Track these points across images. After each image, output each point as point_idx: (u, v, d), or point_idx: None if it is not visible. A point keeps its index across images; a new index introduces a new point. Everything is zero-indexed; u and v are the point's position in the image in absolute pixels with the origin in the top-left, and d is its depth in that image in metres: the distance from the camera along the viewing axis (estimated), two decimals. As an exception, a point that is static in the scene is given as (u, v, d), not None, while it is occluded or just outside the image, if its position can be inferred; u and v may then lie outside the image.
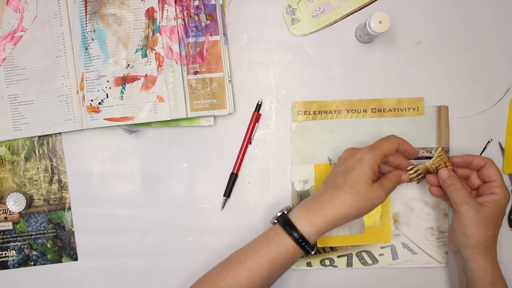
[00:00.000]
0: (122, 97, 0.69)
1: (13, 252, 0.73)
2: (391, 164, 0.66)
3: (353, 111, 0.74)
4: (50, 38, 0.71)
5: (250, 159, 0.74)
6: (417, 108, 0.74)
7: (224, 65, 0.72)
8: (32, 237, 0.73)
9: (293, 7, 0.73)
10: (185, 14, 0.71)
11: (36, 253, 0.73)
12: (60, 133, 0.73)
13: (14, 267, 0.73)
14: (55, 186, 0.73)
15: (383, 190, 0.62)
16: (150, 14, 0.70)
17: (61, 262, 0.74)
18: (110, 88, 0.69)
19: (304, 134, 0.74)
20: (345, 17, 0.73)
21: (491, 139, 0.75)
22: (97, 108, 0.70)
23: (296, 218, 0.61)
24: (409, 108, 0.74)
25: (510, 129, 0.74)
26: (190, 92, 0.71)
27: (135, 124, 0.71)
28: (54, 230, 0.74)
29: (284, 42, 0.74)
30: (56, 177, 0.73)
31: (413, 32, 0.74)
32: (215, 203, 0.74)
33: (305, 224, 0.60)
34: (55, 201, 0.73)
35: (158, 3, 0.70)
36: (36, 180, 0.73)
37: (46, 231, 0.73)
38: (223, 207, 0.74)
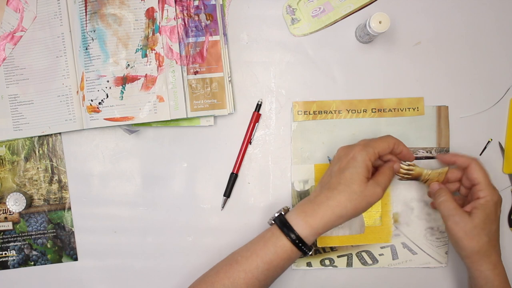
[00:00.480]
0: (122, 97, 0.69)
1: (13, 252, 0.73)
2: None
3: (353, 111, 0.74)
4: (50, 38, 0.71)
5: (250, 159, 0.74)
6: (417, 108, 0.74)
7: (224, 65, 0.72)
8: (32, 237, 0.73)
9: (293, 7, 0.73)
10: (185, 14, 0.71)
11: (36, 253, 0.73)
12: (60, 133, 0.73)
13: (14, 267, 0.73)
14: (55, 186, 0.73)
15: (379, 186, 0.61)
16: (150, 14, 0.70)
17: (61, 262, 0.74)
18: (110, 88, 0.69)
19: (304, 134, 0.74)
20: (345, 17, 0.73)
21: (491, 139, 0.75)
22: (97, 108, 0.70)
23: (293, 219, 0.61)
24: (409, 108, 0.74)
25: (510, 129, 0.74)
26: (190, 92, 0.71)
27: (135, 124, 0.71)
28: (54, 230, 0.74)
29: (284, 42, 0.74)
30: (56, 177, 0.73)
31: (413, 32, 0.74)
32: (215, 203, 0.74)
33: (301, 225, 0.60)
34: (55, 201, 0.73)
35: (158, 3, 0.70)
36: (36, 180, 0.73)
37: (46, 231, 0.74)
38: (223, 207, 0.74)
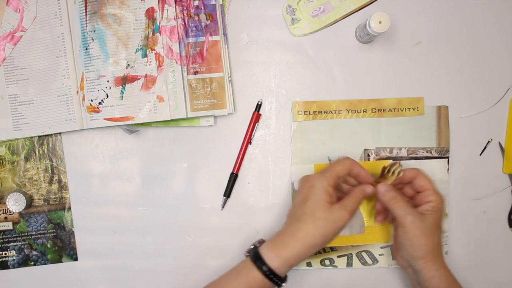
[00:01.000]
0: (122, 97, 0.69)
1: (13, 252, 0.73)
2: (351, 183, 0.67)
3: (353, 111, 0.74)
4: (50, 38, 0.71)
5: (250, 159, 0.74)
6: (417, 108, 0.74)
7: (224, 65, 0.72)
8: (32, 237, 0.73)
9: (293, 7, 0.73)
10: (185, 14, 0.71)
11: (36, 253, 0.73)
12: (60, 133, 0.73)
13: (14, 267, 0.73)
14: (55, 186, 0.73)
15: (345, 209, 0.61)
16: (150, 14, 0.70)
17: (61, 262, 0.74)
18: (110, 88, 0.69)
19: (304, 134, 0.74)
20: (345, 17, 0.73)
21: (491, 139, 0.75)
22: (97, 108, 0.70)
23: (265, 252, 0.62)
24: (409, 108, 0.74)
25: (510, 129, 0.74)
26: (190, 92, 0.71)
27: (135, 124, 0.71)
28: (54, 230, 0.74)
29: (284, 42, 0.74)
30: (56, 177, 0.73)
31: (413, 32, 0.74)
32: (215, 203, 0.74)
33: (273, 258, 0.61)
34: (55, 201, 0.73)
35: (158, 3, 0.70)
36: (36, 180, 0.73)
37: (46, 231, 0.74)
38: (223, 207, 0.74)
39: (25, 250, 0.73)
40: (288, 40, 0.74)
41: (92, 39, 0.69)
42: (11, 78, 0.71)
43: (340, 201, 0.62)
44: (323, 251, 0.74)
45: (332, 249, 0.74)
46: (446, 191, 0.73)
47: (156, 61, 0.70)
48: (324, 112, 0.74)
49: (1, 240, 0.73)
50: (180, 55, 0.71)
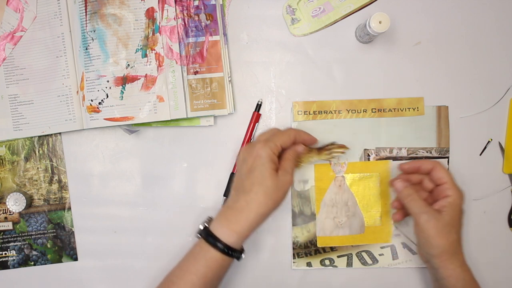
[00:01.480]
0: (122, 97, 0.69)
1: (13, 252, 0.73)
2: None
3: (353, 111, 0.74)
4: (50, 38, 0.71)
5: (250, 159, 0.74)
6: (417, 108, 0.74)
7: (224, 65, 0.72)
8: (32, 237, 0.73)
9: (293, 7, 0.73)
10: (185, 14, 0.71)
11: (36, 253, 0.73)
12: (60, 133, 0.73)
13: (14, 267, 0.73)
14: (55, 186, 0.73)
15: (288, 172, 0.63)
16: (150, 14, 0.70)
17: (61, 262, 0.74)
18: (110, 88, 0.69)
19: (304, 134, 0.74)
20: (345, 17, 0.73)
21: (491, 139, 0.75)
22: (97, 108, 0.70)
23: (218, 229, 0.62)
24: (409, 108, 0.74)
25: (510, 129, 0.74)
26: (190, 92, 0.71)
27: (135, 124, 0.71)
28: (54, 230, 0.74)
29: (284, 42, 0.74)
30: (56, 177, 0.73)
31: (413, 32, 0.74)
32: (215, 203, 0.74)
33: (227, 234, 0.61)
34: (55, 201, 0.73)
35: (158, 3, 0.70)
36: (36, 180, 0.73)
37: (46, 231, 0.74)
38: (223, 207, 0.74)
39: (25, 250, 0.73)
40: (288, 40, 0.74)
41: (92, 39, 0.69)
42: (11, 78, 0.71)
43: (281, 167, 0.64)
44: (323, 251, 0.74)
45: (332, 249, 0.74)
46: (446, 191, 0.73)
47: (156, 61, 0.70)
48: (324, 112, 0.74)
49: (1, 240, 0.73)
50: (180, 55, 0.71)
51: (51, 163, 0.73)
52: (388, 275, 0.75)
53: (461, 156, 0.74)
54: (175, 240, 0.74)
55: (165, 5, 0.70)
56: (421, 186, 0.69)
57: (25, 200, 0.71)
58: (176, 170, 0.74)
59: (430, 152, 0.74)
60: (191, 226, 0.74)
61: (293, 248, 0.74)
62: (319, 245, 0.74)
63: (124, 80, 0.70)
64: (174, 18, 0.70)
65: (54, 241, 0.74)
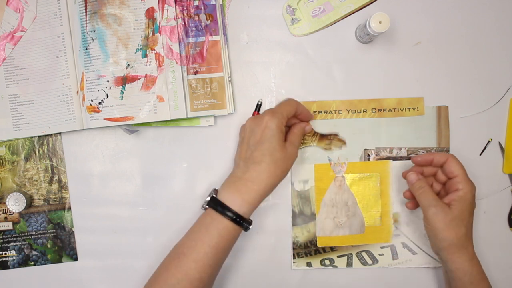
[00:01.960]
0: (122, 97, 0.69)
1: (13, 252, 0.73)
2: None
3: (353, 111, 0.74)
4: (50, 38, 0.71)
5: (250, 159, 0.74)
6: (417, 108, 0.74)
7: (224, 65, 0.72)
8: (32, 237, 0.73)
9: (293, 7, 0.73)
10: (185, 14, 0.71)
11: (36, 253, 0.73)
12: (60, 133, 0.73)
13: (14, 267, 0.73)
14: (55, 186, 0.73)
15: (294, 146, 0.66)
16: (150, 14, 0.70)
17: (61, 262, 0.74)
18: (110, 88, 0.69)
19: (304, 134, 0.74)
20: (345, 17, 0.73)
21: (491, 139, 0.75)
22: (97, 108, 0.70)
23: (229, 199, 0.63)
24: (409, 108, 0.74)
25: (510, 129, 0.74)
26: (190, 92, 0.71)
27: (135, 124, 0.71)
28: (54, 230, 0.74)
29: (284, 42, 0.74)
30: (56, 177, 0.73)
31: (413, 32, 0.74)
32: (215, 203, 0.74)
33: (239, 204, 0.62)
34: (55, 201, 0.73)
35: (158, 3, 0.70)
36: (36, 180, 0.73)
37: (46, 231, 0.74)
38: (223, 207, 0.74)
39: (25, 250, 0.73)
40: (288, 40, 0.74)
41: (92, 39, 0.69)
42: (11, 78, 0.71)
43: (288, 139, 0.66)
44: (323, 251, 0.74)
45: (332, 249, 0.74)
46: (446, 191, 0.73)
47: (156, 61, 0.70)
48: (324, 112, 0.74)
49: (1, 240, 0.73)
50: (180, 55, 0.71)
51: (51, 163, 0.73)
52: (388, 275, 0.75)
53: (461, 156, 0.74)
54: (175, 240, 0.74)
55: (165, 5, 0.70)
56: (435, 178, 0.69)
57: (25, 200, 0.71)
58: (176, 170, 0.74)
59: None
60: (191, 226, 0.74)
61: (293, 248, 0.74)
62: (319, 245, 0.74)
63: (124, 80, 0.70)
64: (174, 18, 0.70)
65: (54, 241, 0.74)
